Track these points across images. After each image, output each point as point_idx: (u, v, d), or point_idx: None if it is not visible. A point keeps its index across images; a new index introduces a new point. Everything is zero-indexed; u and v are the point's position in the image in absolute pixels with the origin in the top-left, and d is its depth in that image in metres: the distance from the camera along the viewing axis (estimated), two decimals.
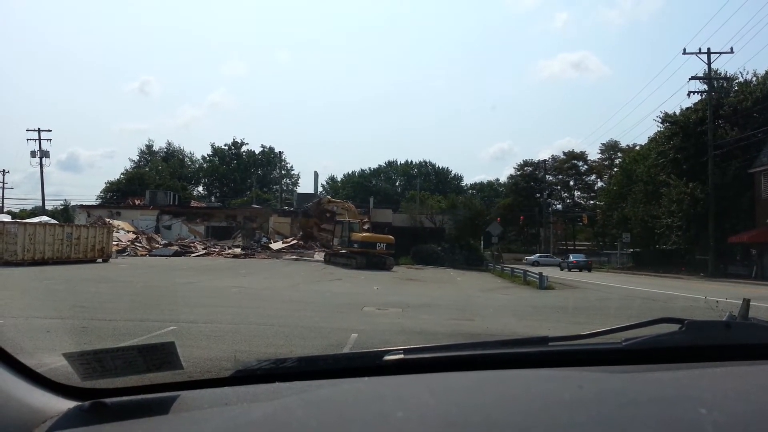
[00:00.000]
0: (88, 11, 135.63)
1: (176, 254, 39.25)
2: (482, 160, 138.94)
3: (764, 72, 44.24)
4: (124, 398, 1.39)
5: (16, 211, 61.39)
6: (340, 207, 40.92)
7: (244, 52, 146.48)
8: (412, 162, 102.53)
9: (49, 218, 39.36)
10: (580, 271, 45.70)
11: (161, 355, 1.40)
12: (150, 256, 38.29)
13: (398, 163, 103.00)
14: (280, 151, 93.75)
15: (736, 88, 44.55)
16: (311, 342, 8.35)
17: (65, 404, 1.34)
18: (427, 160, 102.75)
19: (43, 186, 56.75)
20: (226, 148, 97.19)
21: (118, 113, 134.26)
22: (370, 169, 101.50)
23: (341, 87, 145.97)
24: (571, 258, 51.05)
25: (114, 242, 36.08)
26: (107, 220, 45.15)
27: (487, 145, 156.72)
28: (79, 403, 1.34)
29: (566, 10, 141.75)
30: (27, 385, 1.36)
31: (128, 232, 45.12)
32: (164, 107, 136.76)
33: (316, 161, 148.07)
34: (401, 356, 1.57)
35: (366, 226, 42.05)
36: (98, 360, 1.36)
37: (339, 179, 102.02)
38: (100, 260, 30.63)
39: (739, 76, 45.46)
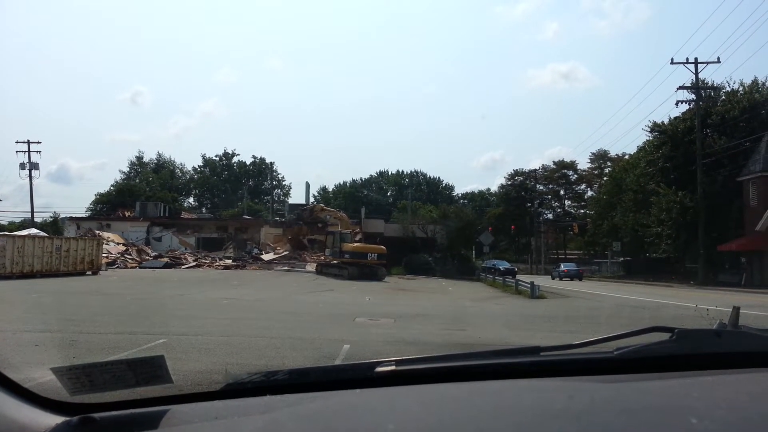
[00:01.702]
0: (80, 21, 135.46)
1: (167, 266, 39.02)
2: (474, 169, 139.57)
3: (750, 81, 44.84)
4: (114, 413, 1.38)
5: (5, 223, 60.86)
6: (333, 216, 40.74)
7: (235, 62, 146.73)
8: (403, 172, 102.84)
9: (38, 231, 39.07)
10: (572, 280, 45.82)
11: (151, 368, 1.39)
12: (140, 268, 38.04)
13: (389, 173, 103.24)
14: (271, 162, 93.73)
15: (724, 97, 45.00)
16: (303, 353, 8.31)
17: (53, 419, 1.33)
18: (419, 170, 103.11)
19: (33, 198, 56.37)
20: (217, 158, 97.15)
21: (109, 124, 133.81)
22: (361, 179, 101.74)
23: (332, 97, 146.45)
24: (562, 267, 51.21)
25: (104, 254, 35.84)
26: (97, 232, 44.85)
27: (478, 154, 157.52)
28: (68, 419, 1.33)
29: (556, 20, 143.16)
30: (14, 400, 1.34)
31: (118, 244, 44.85)
32: (155, 118, 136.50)
33: (307, 171, 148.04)
34: (393, 367, 1.56)
35: (358, 237, 42.05)
36: (87, 374, 1.35)
37: (330, 189, 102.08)
38: (89, 273, 30.41)
39: (726, 85, 46.02)
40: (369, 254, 33.93)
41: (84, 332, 9.68)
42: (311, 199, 66.77)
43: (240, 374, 1.57)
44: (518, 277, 30.77)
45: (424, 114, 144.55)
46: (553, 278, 47.86)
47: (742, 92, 44.19)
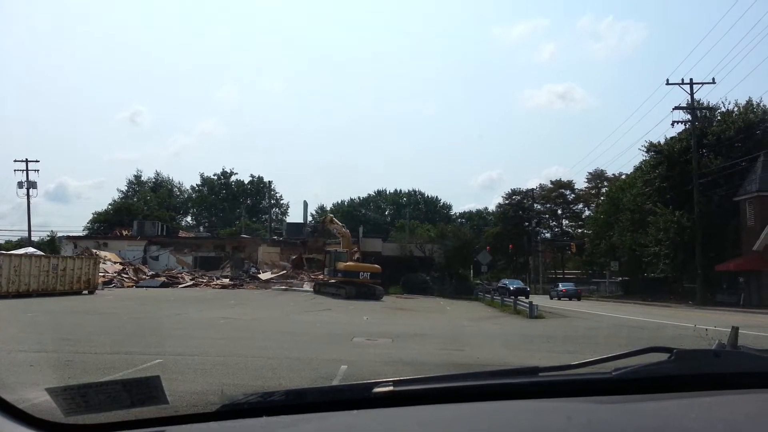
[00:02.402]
0: (79, 41, 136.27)
1: (164, 285, 38.87)
2: (471, 188, 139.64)
3: (745, 102, 45.20)
4: None
5: (2, 242, 60.76)
6: (338, 231, 40.32)
7: (235, 81, 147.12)
8: (401, 191, 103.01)
9: (35, 249, 38.94)
10: (570, 299, 45.68)
11: (146, 389, 1.38)
12: (137, 287, 37.87)
13: (387, 192, 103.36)
14: (269, 181, 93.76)
15: (719, 117, 45.29)
16: (300, 374, 8.26)
17: None
18: (417, 189, 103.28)
19: (30, 217, 56.18)
20: (216, 177, 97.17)
21: (108, 143, 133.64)
22: (359, 198, 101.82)
23: (331, 117, 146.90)
24: (560, 286, 51.11)
25: (100, 273, 35.71)
26: (94, 251, 44.72)
27: (476, 173, 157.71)
28: None
29: (553, 41, 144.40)
30: (8, 421, 1.33)
31: (115, 263, 44.69)
32: (154, 137, 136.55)
33: (305, 190, 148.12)
34: (391, 388, 1.56)
35: (356, 256, 41.93)
36: (82, 395, 1.34)
37: (328, 208, 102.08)
38: (86, 292, 30.26)
39: (722, 105, 46.33)
40: (361, 273, 33.78)
41: (79, 352, 9.61)
42: (309, 218, 66.64)
43: (236, 395, 1.56)
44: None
45: (423, 133, 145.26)
46: (551, 298, 47.73)
47: (737, 113, 44.51)
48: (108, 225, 66.84)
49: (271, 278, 43.33)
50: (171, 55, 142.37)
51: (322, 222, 43.41)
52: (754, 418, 1.29)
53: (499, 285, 45.83)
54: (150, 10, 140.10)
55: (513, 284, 47.16)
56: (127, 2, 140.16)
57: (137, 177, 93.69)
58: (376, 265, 35.43)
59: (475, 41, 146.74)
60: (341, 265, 34.54)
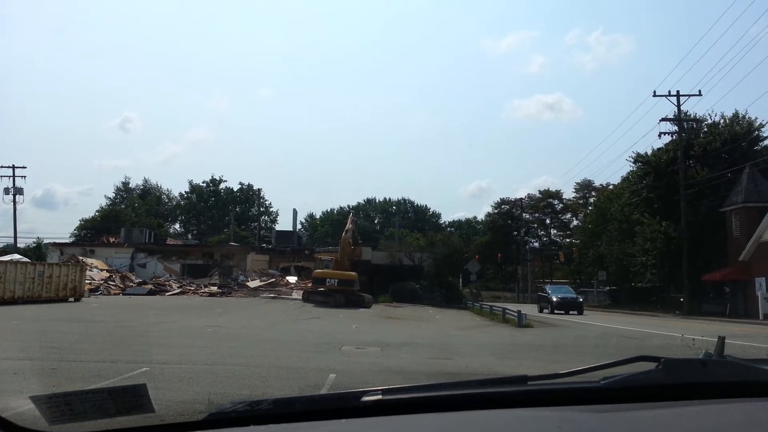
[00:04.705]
0: (71, 47, 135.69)
1: (151, 293, 38.56)
2: (461, 197, 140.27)
3: (731, 114, 45.73)
4: None
5: None
6: (344, 233, 39.86)
7: (226, 89, 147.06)
8: (390, 200, 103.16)
9: (21, 256, 38.56)
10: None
11: (132, 397, 1.37)
12: (124, 295, 37.54)
13: (377, 201, 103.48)
14: (258, 189, 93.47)
15: (705, 129, 45.77)
16: (288, 383, 8.21)
17: None
18: (406, 198, 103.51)
19: (16, 223, 55.60)
20: (204, 185, 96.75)
21: (97, 150, 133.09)
22: (349, 206, 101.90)
23: (322, 125, 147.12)
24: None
25: (87, 281, 35.37)
26: (80, 258, 44.33)
27: (465, 183, 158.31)
28: None
29: (541, 53, 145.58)
30: None
31: (102, 270, 44.30)
32: (144, 144, 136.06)
33: (295, 198, 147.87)
34: (380, 397, 1.55)
35: (346, 264, 41.80)
36: (67, 403, 1.32)
37: (318, 216, 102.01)
38: (72, 299, 29.96)
39: (708, 117, 46.78)
40: (328, 279, 33.30)
41: (65, 360, 9.50)
42: (298, 226, 66.53)
43: (223, 404, 1.55)
44: (504, 305, 30.37)
45: (412, 142, 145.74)
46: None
47: (723, 125, 45.01)
48: (95, 232, 66.34)
49: (260, 286, 43.13)
50: (162, 63, 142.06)
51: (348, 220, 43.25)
52: (742, 426, 1.29)
53: (540, 294, 42.58)
54: (141, 18, 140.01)
55: (557, 293, 36.78)
56: (118, 9, 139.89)
57: (125, 184, 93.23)
58: (350, 272, 34.98)
59: (465, 52, 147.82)
60: (315, 271, 34.39)
